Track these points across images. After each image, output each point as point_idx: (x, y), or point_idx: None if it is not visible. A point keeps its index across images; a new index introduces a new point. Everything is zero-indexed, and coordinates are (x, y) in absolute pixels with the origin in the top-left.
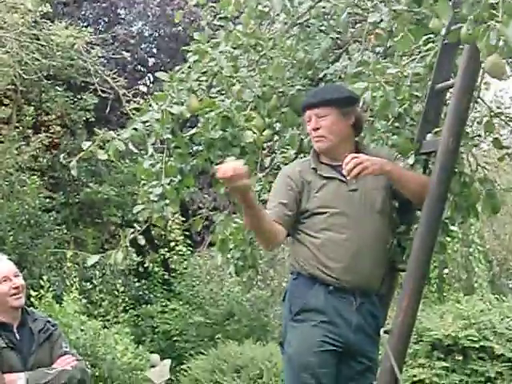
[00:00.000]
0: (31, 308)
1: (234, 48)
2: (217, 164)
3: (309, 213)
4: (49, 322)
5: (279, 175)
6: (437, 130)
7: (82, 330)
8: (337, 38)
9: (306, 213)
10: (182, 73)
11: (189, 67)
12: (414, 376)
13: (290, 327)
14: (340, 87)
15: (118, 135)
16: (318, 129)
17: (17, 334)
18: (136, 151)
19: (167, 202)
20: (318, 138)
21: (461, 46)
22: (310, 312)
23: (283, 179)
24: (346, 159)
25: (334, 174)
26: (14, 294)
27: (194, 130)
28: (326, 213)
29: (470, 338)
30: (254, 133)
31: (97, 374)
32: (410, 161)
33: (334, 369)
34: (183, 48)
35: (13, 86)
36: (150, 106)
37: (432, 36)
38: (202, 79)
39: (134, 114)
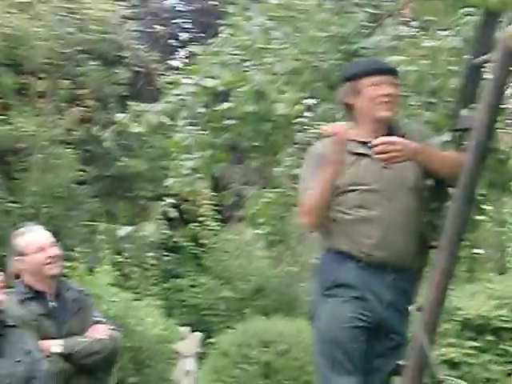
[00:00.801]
0: (65, 278)
1: (268, 20)
2: (248, 139)
3: (340, 190)
4: (82, 291)
5: (309, 156)
6: (473, 105)
7: (113, 302)
8: (372, 11)
9: (338, 190)
10: (216, 46)
11: (222, 41)
12: (443, 355)
13: (321, 302)
14: None
15: (151, 108)
16: (390, 95)
17: (52, 303)
18: (169, 124)
19: (198, 175)
20: (389, 104)
21: (501, 20)
22: (341, 287)
23: (315, 159)
24: (375, 141)
25: (364, 151)
26: (50, 263)
27: (226, 105)
28: (357, 190)
29: (502, 318)
30: (286, 106)
31: (128, 344)
32: (445, 137)
33: (364, 344)
34: (216, 22)
35: (49, 60)
36: (184, 79)
37: (470, 9)
38: (236, 53)
39: (166, 88)
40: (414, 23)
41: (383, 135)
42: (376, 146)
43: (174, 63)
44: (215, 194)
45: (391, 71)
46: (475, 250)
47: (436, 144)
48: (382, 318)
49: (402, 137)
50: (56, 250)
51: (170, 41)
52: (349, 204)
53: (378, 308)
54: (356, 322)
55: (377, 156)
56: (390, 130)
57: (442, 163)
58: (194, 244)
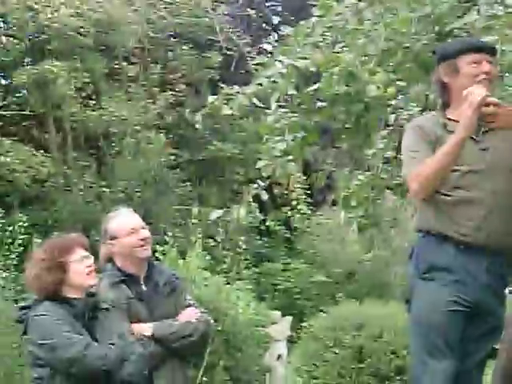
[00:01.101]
0: (157, 262)
1: (359, 1)
2: (340, 120)
3: None
4: (173, 275)
5: (410, 128)
6: None
7: (205, 286)
8: None
9: None
10: (307, 28)
11: (314, 22)
12: None
13: (418, 285)
14: None
15: (243, 90)
16: (490, 73)
17: (143, 286)
18: (260, 107)
19: (289, 158)
20: (488, 83)
21: None
22: (439, 271)
23: (417, 131)
24: (489, 99)
25: None
26: (141, 246)
27: (317, 85)
28: (457, 170)
29: None
30: (378, 87)
31: (219, 328)
32: None
33: (460, 328)
34: (308, 3)
35: (140, 45)
36: (275, 61)
37: None
38: (327, 34)
39: (257, 70)
40: (509, 2)
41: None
42: (487, 105)
43: (266, 47)
44: (307, 177)
45: (490, 49)
46: None
47: None
48: (479, 302)
49: None
50: (147, 233)
51: (262, 24)
52: (449, 185)
53: (476, 292)
54: (454, 306)
55: (488, 118)
56: None
57: None
58: (285, 228)
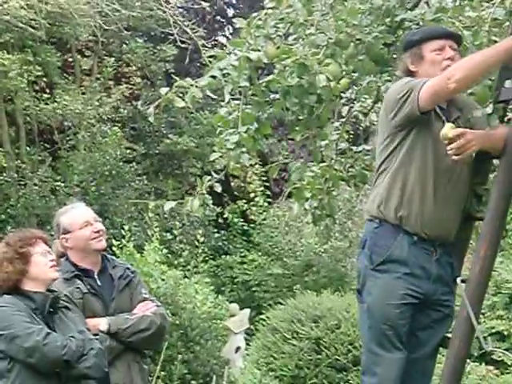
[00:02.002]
0: (112, 256)
1: None
2: (293, 112)
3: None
4: (128, 268)
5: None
6: None
7: (162, 280)
8: None
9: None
10: (260, 20)
11: (266, 14)
12: (493, 328)
13: (371, 276)
14: None
15: (196, 83)
16: (453, 60)
17: (98, 280)
18: (214, 99)
19: (244, 150)
20: None
21: None
22: (393, 263)
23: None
24: (452, 132)
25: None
26: (96, 238)
27: (270, 77)
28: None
29: None
30: (330, 79)
31: (177, 322)
32: (489, 109)
33: (410, 319)
34: None
35: (94, 38)
36: (228, 53)
37: None
38: (279, 26)
39: (211, 62)
40: None
41: (447, 103)
42: (450, 141)
43: (220, 39)
44: (264, 170)
45: (454, 36)
46: None
47: (482, 116)
48: (429, 293)
49: (461, 108)
50: (100, 225)
51: (216, 17)
52: (411, 171)
53: (426, 283)
54: (407, 298)
55: (451, 152)
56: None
57: (501, 143)
58: (243, 220)
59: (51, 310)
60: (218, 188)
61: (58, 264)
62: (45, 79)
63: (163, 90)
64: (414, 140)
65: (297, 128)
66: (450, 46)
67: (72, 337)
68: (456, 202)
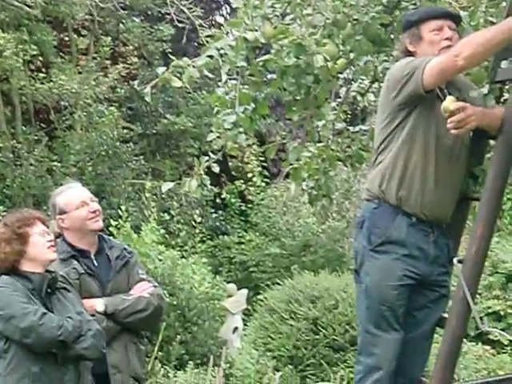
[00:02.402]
0: (108, 236)
1: None
2: (290, 92)
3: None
4: (125, 249)
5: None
6: None
7: (160, 260)
8: None
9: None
10: (257, 0)
11: None
12: (489, 308)
13: (369, 257)
14: None
15: (193, 62)
16: (451, 40)
17: (95, 261)
18: (212, 79)
19: (241, 130)
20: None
21: None
22: (392, 244)
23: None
24: (454, 105)
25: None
26: (92, 218)
27: (267, 57)
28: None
29: None
30: (327, 60)
31: (174, 302)
32: (485, 90)
33: (407, 300)
34: None
35: (90, 17)
36: (225, 33)
37: None
38: (276, 6)
39: (208, 42)
40: None
41: (446, 84)
42: (451, 114)
43: (218, 19)
44: (262, 150)
45: (452, 16)
46: None
47: (479, 96)
48: (426, 274)
49: (459, 88)
50: (96, 205)
51: None
52: (413, 151)
53: (424, 264)
54: (405, 279)
55: (450, 125)
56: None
57: (498, 122)
58: (241, 201)
59: (49, 290)
60: (216, 168)
61: (55, 244)
62: (41, 58)
63: (160, 70)
64: (415, 120)
65: (294, 108)
66: (448, 26)
67: (69, 317)
68: (454, 184)
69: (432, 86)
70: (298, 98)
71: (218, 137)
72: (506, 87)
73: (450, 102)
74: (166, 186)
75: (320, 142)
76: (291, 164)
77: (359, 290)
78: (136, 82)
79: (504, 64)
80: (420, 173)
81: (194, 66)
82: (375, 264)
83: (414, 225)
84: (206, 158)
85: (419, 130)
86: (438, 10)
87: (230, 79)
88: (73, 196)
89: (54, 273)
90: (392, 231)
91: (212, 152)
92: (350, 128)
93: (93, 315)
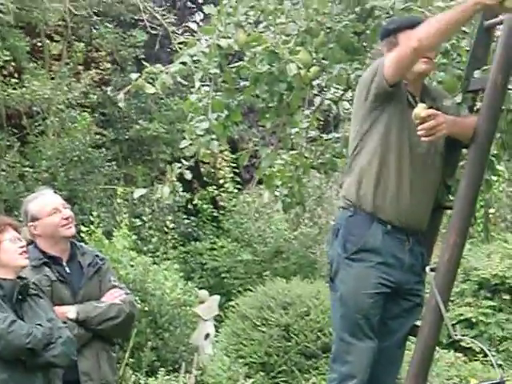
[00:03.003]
0: (80, 243)
1: None
2: (263, 100)
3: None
4: (97, 256)
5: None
6: (485, 67)
7: (131, 266)
8: None
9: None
10: (230, 7)
11: (236, 1)
12: (461, 315)
13: (345, 265)
14: None
15: (166, 69)
16: None
17: (66, 268)
18: (185, 86)
19: (214, 136)
20: (427, 59)
21: None
22: (368, 252)
23: None
24: (424, 112)
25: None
26: (65, 225)
27: (240, 63)
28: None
29: None
30: (300, 67)
31: (146, 309)
32: (458, 99)
33: (382, 309)
34: None
35: (63, 22)
36: (198, 40)
37: None
38: (250, 14)
39: (181, 49)
40: None
41: (421, 92)
42: (422, 121)
43: (191, 25)
44: (234, 156)
45: None
46: (489, 210)
47: (452, 105)
48: (401, 282)
49: (434, 98)
50: (69, 212)
51: (187, 3)
52: (388, 155)
53: (399, 272)
54: (380, 287)
55: (421, 132)
56: (424, 87)
57: (470, 131)
58: (213, 207)
59: (20, 297)
60: (188, 175)
61: (27, 251)
62: (13, 64)
63: (133, 76)
64: (387, 125)
65: (267, 115)
66: None
67: (39, 325)
68: (429, 191)
69: (393, 77)
70: (271, 105)
71: (190, 144)
72: (479, 96)
73: (421, 109)
74: (139, 193)
75: (293, 149)
76: (264, 171)
77: (334, 298)
78: (109, 88)
79: (477, 73)
80: (395, 179)
81: (167, 73)
82: (350, 272)
83: (389, 233)
84: (179, 164)
85: (392, 136)
86: (415, 20)
87: (203, 86)
88: (45, 203)
89: (26, 279)
90: (367, 239)
91: (184, 158)
92: (323, 135)
93: (64, 322)
